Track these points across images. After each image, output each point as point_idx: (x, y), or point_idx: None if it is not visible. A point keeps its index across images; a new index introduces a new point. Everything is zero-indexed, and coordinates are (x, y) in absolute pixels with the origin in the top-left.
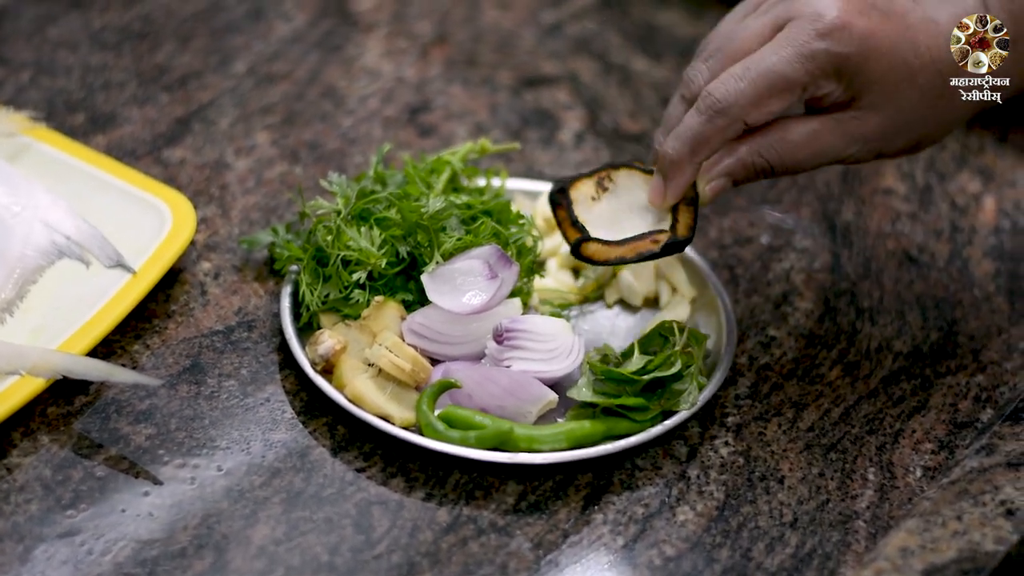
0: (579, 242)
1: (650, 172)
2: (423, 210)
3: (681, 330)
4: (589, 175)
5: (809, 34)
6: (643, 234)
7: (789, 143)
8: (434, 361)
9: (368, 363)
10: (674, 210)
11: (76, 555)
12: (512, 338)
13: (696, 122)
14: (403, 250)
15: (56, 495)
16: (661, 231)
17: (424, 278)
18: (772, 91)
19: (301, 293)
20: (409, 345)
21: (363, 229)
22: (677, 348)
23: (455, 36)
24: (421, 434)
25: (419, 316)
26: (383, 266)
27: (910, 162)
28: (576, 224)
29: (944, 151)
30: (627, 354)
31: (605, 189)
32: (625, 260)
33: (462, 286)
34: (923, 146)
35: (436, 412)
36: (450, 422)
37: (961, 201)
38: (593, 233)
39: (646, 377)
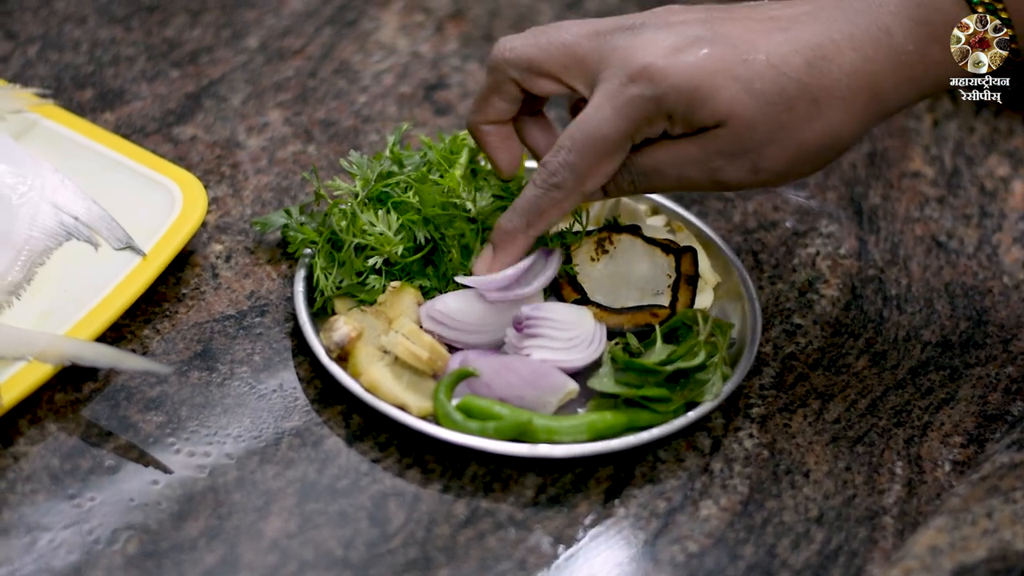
0: (577, 304)
1: (652, 241)
2: (468, 208)
3: (705, 319)
4: (590, 234)
5: (621, 82)
6: (643, 306)
7: (648, 167)
8: (451, 349)
9: (384, 351)
10: (674, 287)
11: (84, 545)
12: (533, 326)
13: (533, 194)
14: (421, 235)
15: (64, 484)
16: (661, 306)
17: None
18: (599, 155)
19: (315, 278)
20: (427, 332)
21: (380, 213)
22: (701, 338)
23: (472, 11)
24: (438, 424)
25: (438, 303)
26: (400, 253)
27: (938, 145)
28: (573, 283)
29: (973, 134)
30: (650, 343)
31: (605, 252)
32: (622, 329)
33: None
34: (806, 160)
35: (454, 402)
36: (468, 412)
37: (990, 185)
38: (591, 296)
39: (669, 368)
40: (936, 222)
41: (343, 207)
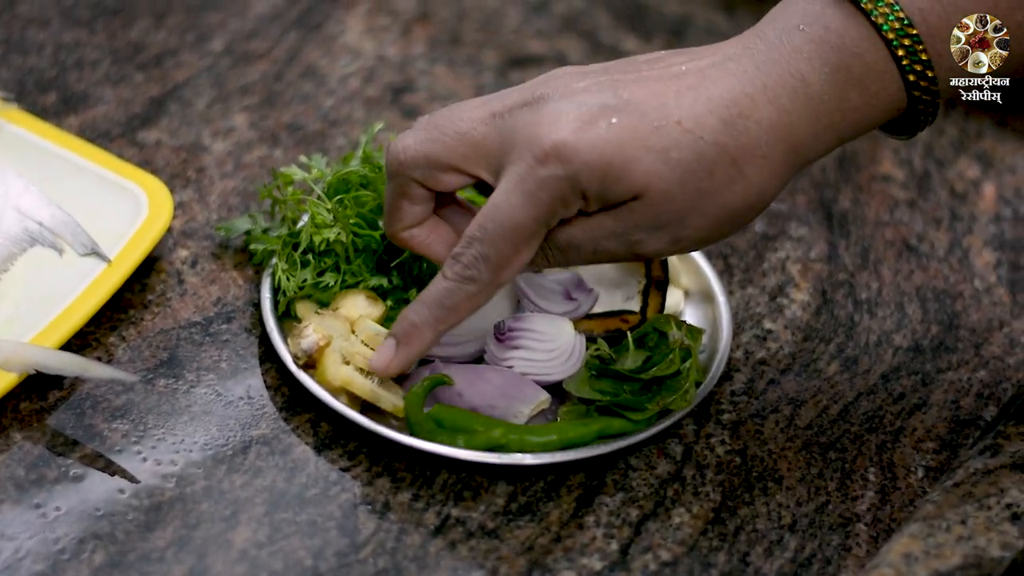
0: None
1: None
2: None
3: (679, 325)
4: None
5: (529, 165)
6: (613, 312)
7: (564, 243)
8: (421, 361)
9: (346, 361)
10: (645, 292)
11: (50, 556)
12: (515, 337)
13: (444, 287)
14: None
15: (29, 494)
16: (631, 312)
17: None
18: (515, 245)
19: (277, 279)
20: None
21: (332, 206)
22: (675, 345)
23: (438, 14)
24: (410, 432)
25: None
26: (349, 240)
27: (908, 147)
28: None
29: (942, 136)
30: (620, 348)
31: None
32: (591, 334)
33: (543, 296)
34: (728, 222)
35: (426, 410)
36: (439, 422)
37: (960, 188)
38: None
39: (646, 375)
40: (906, 225)
41: (301, 200)
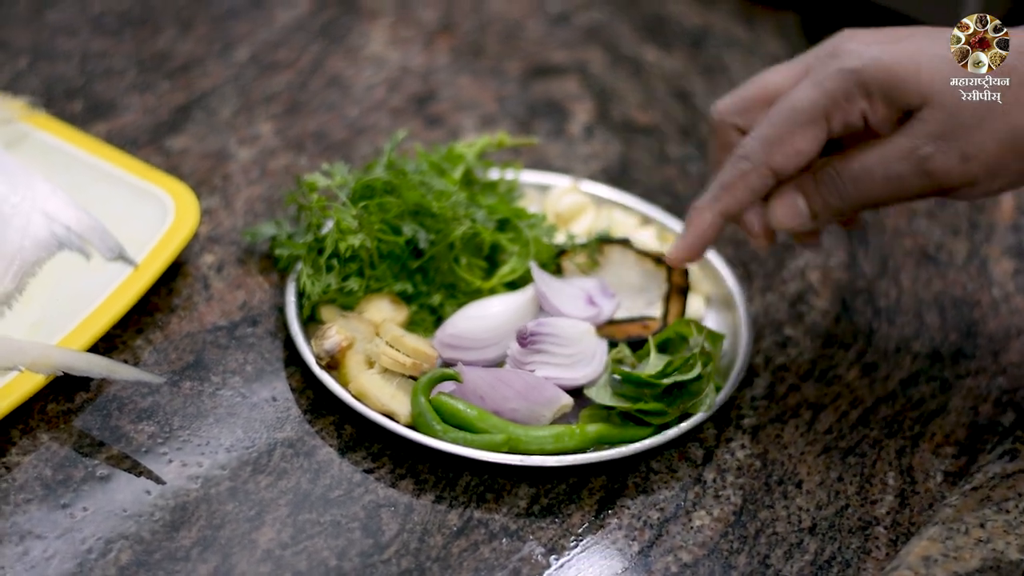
0: None
1: (644, 253)
2: (448, 202)
3: (699, 330)
4: (583, 246)
5: (821, 61)
6: (634, 318)
7: (856, 170)
8: (444, 366)
9: (371, 361)
10: (666, 298)
11: (77, 555)
12: (536, 341)
13: (724, 168)
14: (410, 229)
15: (56, 494)
16: (651, 318)
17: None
18: (792, 125)
19: (301, 284)
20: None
21: (357, 212)
22: (696, 351)
23: (461, 25)
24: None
25: (448, 328)
26: (375, 246)
27: None
28: None
29: None
30: (642, 354)
31: (596, 263)
32: (613, 339)
33: (565, 301)
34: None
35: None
36: (439, 411)
37: None
38: None
39: (667, 380)
40: (924, 235)
41: (311, 207)
